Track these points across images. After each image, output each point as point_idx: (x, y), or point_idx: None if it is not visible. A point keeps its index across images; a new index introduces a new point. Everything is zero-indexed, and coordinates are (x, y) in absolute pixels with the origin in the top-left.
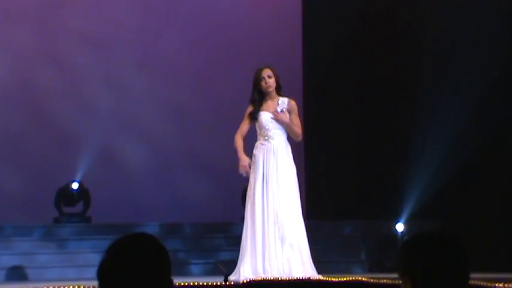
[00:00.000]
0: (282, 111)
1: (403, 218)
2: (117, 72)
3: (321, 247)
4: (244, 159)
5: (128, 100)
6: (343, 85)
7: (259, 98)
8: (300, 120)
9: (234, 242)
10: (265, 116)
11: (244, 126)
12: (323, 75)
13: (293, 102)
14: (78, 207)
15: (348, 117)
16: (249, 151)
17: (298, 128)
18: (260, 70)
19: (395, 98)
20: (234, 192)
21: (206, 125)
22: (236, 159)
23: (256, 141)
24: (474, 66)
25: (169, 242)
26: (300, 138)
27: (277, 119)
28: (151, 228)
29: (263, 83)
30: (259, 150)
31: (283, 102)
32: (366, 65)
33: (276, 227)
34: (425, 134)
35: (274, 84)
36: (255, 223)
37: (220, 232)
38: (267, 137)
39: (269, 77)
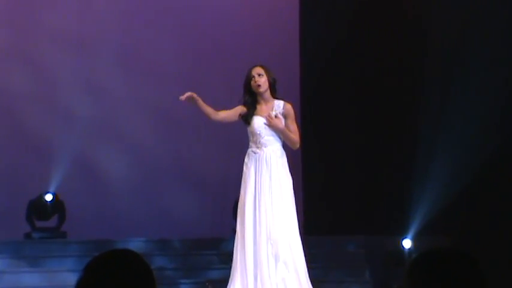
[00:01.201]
0: (276, 116)
1: (411, 233)
2: (96, 74)
3: (320, 265)
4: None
5: (108, 105)
6: (343, 90)
7: (251, 100)
8: (298, 126)
9: (226, 259)
10: (258, 121)
11: (226, 112)
12: (322, 78)
13: (289, 106)
14: (52, 222)
15: (350, 123)
16: (241, 160)
17: (295, 135)
18: (251, 68)
19: (400, 103)
20: (224, 205)
21: (195, 133)
22: (227, 171)
23: (248, 148)
24: (485, 68)
25: (156, 259)
26: (297, 146)
27: (270, 124)
28: (135, 245)
29: (252, 82)
30: (250, 159)
31: (278, 105)
32: (367, 67)
33: (269, 244)
34: (433, 141)
35: (266, 84)
36: (245, 239)
37: (211, 248)
38: (259, 145)
39: (259, 75)
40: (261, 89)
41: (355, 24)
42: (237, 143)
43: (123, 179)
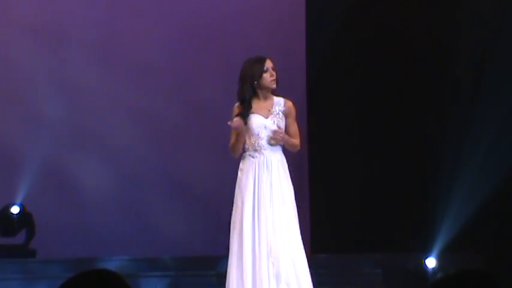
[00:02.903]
0: (278, 113)
1: (435, 250)
2: (71, 71)
3: (330, 287)
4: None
5: (85, 106)
6: (356, 88)
7: (251, 96)
8: (298, 126)
9: (222, 280)
10: (256, 120)
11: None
12: (331, 76)
13: (290, 104)
14: (20, 238)
15: (365, 125)
16: (236, 164)
17: (296, 138)
18: (263, 59)
19: (422, 101)
20: (219, 220)
21: (185, 138)
22: (222, 180)
23: (244, 151)
24: None
25: (142, 281)
26: (299, 148)
27: (277, 139)
28: (117, 264)
29: (267, 76)
30: (248, 164)
31: (278, 103)
32: (384, 64)
33: (270, 262)
34: (460, 143)
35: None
36: (244, 257)
37: (207, 268)
38: (258, 147)
39: (273, 69)
40: (275, 86)
41: (375, 12)
42: None
43: (102, 190)
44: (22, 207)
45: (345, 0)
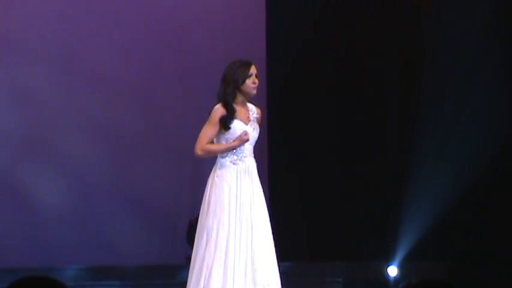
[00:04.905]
0: (254, 120)
1: (397, 259)
2: (23, 80)
3: None
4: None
5: (37, 115)
6: (318, 89)
7: (233, 99)
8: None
9: None
10: (240, 126)
11: (211, 131)
12: (293, 76)
13: (260, 112)
14: None
15: (327, 134)
16: (194, 175)
17: None
18: (248, 64)
19: (388, 102)
20: (176, 229)
21: (141, 147)
22: (178, 189)
23: (223, 157)
24: (487, 66)
25: None
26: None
27: (242, 140)
28: (70, 274)
29: (250, 81)
30: (229, 171)
31: (253, 110)
32: (348, 62)
33: (250, 269)
34: (426, 149)
35: None
36: (226, 266)
37: (165, 277)
38: (240, 154)
39: (256, 76)
40: (255, 92)
41: (336, 12)
42: (190, 157)
43: (56, 199)
44: None
45: (306, 11)
